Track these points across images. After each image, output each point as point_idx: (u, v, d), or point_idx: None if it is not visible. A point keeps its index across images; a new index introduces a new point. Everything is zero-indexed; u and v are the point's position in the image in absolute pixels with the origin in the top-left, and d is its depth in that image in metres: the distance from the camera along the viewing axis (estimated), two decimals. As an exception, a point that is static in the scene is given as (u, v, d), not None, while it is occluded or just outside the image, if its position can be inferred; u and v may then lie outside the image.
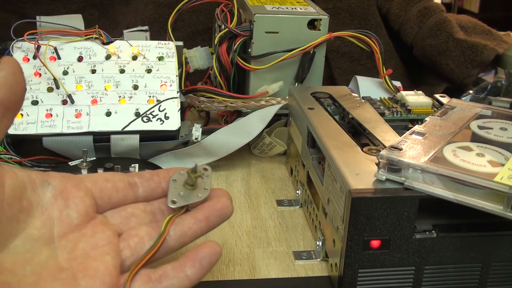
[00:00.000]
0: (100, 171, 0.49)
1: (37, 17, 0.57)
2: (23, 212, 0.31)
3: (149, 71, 0.56)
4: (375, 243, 0.37)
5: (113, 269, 0.32)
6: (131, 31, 0.59)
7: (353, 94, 0.56)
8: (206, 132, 0.57)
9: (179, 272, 0.33)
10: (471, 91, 0.70)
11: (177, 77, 0.57)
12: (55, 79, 0.53)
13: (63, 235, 0.32)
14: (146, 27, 0.60)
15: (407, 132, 0.43)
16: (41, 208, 0.32)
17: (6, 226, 0.29)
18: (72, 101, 0.53)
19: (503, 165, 0.37)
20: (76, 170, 0.50)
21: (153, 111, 0.55)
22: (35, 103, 0.53)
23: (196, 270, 0.33)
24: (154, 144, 0.55)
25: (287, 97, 0.60)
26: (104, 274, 0.31)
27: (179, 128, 0.55)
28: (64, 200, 0.33)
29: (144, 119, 0.54)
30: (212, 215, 0.36)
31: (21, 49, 0.55)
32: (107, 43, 0.57)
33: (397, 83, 0.65)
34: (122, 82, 0.55)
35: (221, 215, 0.36)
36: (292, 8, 0.62)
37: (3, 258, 0.29)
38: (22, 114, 0.52)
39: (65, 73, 0.55)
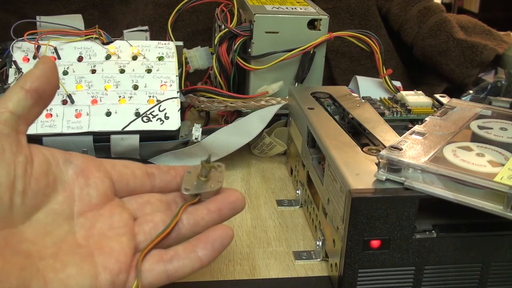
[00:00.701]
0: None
1: (37, 17, 0.57)
2: (49, 187, 0.32)
3: (149, 71, 0.56)
4: (375, 243, 0.37)
5: (128, 249, 0.33)
6: (131, 31, 0.59)
7: (353, 94, 0.56)
8: (206, 132, 0.57)
9: (190, 253, 0.34)
10: (471, 91, 0.70)
11: (177, 77, 0.57)
12: (55, 79, 0.53)
13: (82, 213, 0.33)
14: (146, 27, 0.60)
15: (407, 132, 0.43)
16: (64, 185, 0.33)
17: (31, 199, 0.31)
18: (72, 101, 0.53)
19: (503, 165, 0.37)
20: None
21: (153, 111, 0.55)
22: (35, 103, 0.53)
23: (208, 252, 0.34)
24: (154, 144, 0.55)
25: (287, 97, 0.60)
26: (119, 254, 0.32)
27: (179, 128, 0.55)
28: (85, 179, 0.34)
29: (144, 119, 0.54)
30: (224, 207, 0.37)
31: (21, 49, 0.55)
32: (107, 43, 0.57)
33: (397, 83, 0.65)
34: (122, 82, 0.55)
35: (233, 207, 0.37)
36: (292, 8, 0.62)
37: (25, 229, 0.30)
38: (22, 114, 0.52)
39: (65, 73, 0.55)
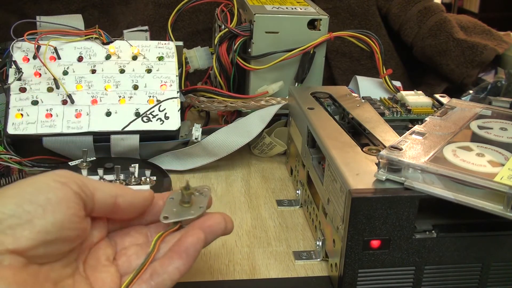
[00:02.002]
0: (100, 171, 0.49)
1: (37, 17, 0.57)
2: None
3: (149, 71, 0.56)
4: (375, 243, 0.37)
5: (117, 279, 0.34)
6: (131, 31, 0.59)
7: (353, 94, 0.56)
8: (206, 132, 0.57)
9: (167, 267, 0.34)
10: (471, 91, 0.70)
11: (177, 77, 0.57)
12: (55, 79, 0.53)
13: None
14: (146, 27, 0.60)
15: (407, 132, 0.43)
16: None
17: None
18: (72, 101, 0.53)
19: (503, 165, 0.37)
20: (76, 170, 0.50)
21: (153, 111, 0.55)
22: (35, 103, 0.53)
23: (183, 261, 0.34)
24: (154, 144, 0.55)
25: (287, 97, 0.60)
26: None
27: (179, 128, 0.55)
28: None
29: (144, 119, 0.54)
30: (204, 232, 0.36)
31: (21, 49, 0.55)
32: (107, 43, 0.57)
33: (397, 83, 0.65)
34: (122, 82, 0.55)
35: (211, 231, 0.36)
36: (292, 8, 0.62)
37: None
38: (22, 114, 0.52)
39: (65, 73, 0.55)
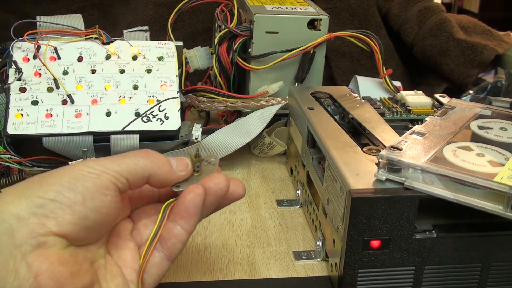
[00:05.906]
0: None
1: (37, 17, 0.57)
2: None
3: (149, 71, 0.56)
4: (375, 243, 0.37)
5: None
6: (131, 31, 0.59)
7: (353, 94, 0.56)
8: (206, 132, 0.57)
9: (172, 230, 0.35)
10: (471, 91, 0.70)
11: (177, 77, 0.57)
12: (55, 79, 0.53)
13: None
14: (146, 27, 0.60)
15: (407, 132, 0.43)
16: None
17: None
18: (72, 101, 0.53)
19: (503, 165, 0.37)
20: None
21: (153, 111, 0.55)
22: (35, 103, 0.53)
23: (186, 220, 0.35)
24: (154, 144, 0.55)
25: (287, 97, 0.60)
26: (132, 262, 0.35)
27: (179, 128, 0.55)
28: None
29: (144, 119, 0.54)
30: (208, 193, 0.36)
31: (21, 49, 0.55)
32: (107, 43, 0.57)
33: (397, 83, 0.65)
34: (122, 82, 0.55)
35: (210, 193, 0.36)
36: (292, 8, 0.62)
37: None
38: (22, 114, 0.52)
39: (65, 73, 0.55)
